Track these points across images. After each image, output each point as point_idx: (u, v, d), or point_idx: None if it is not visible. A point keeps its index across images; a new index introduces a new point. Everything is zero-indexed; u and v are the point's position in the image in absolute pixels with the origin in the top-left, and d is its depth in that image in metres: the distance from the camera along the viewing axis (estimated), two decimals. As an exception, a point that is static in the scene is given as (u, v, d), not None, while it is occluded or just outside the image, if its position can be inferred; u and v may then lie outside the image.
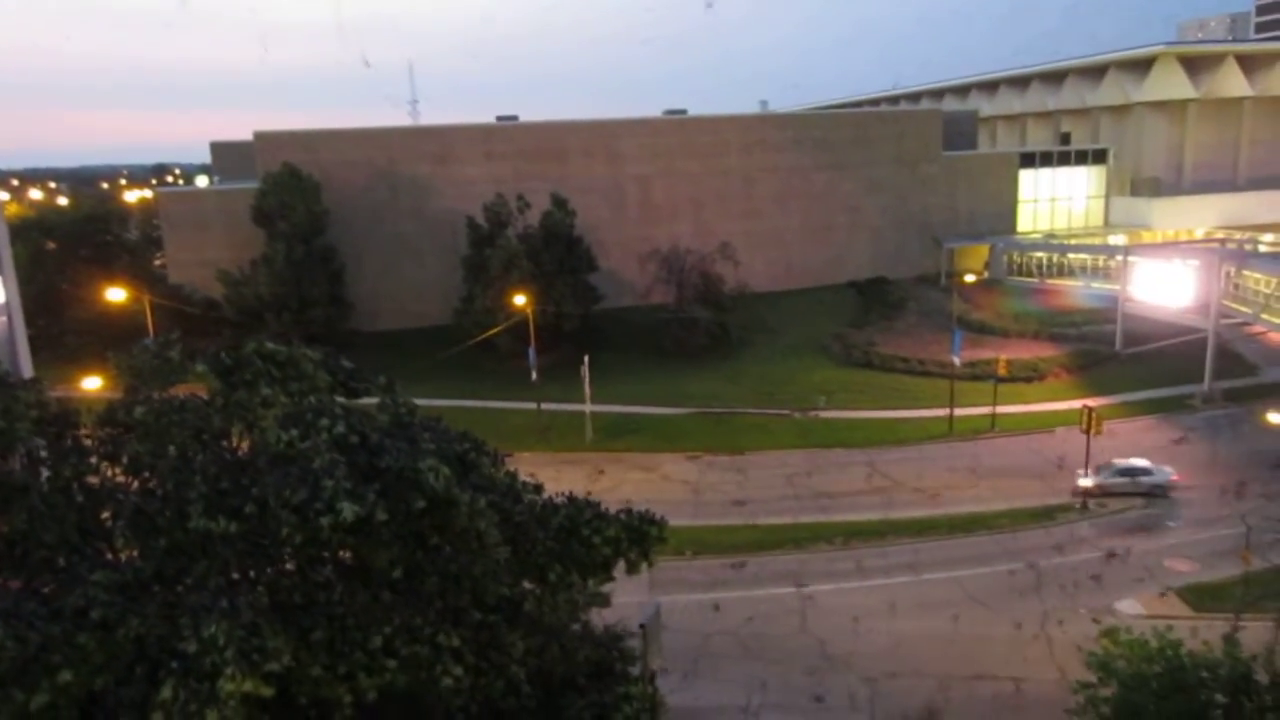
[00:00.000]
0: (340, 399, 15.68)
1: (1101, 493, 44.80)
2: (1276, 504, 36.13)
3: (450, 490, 12.37)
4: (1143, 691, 18.67)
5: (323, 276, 68.01)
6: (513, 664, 14.04)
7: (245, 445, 14.20)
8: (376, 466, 12.44)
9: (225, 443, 14.30)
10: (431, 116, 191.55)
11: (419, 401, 16.86)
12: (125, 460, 14.34)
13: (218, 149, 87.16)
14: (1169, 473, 45.32)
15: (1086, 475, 44.58)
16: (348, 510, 11.46)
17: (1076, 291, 78.34)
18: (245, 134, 74.31)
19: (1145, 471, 45.26)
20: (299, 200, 67.01)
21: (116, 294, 53.26)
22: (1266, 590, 30.31)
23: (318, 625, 12.01)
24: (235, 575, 11.91)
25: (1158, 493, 44.74)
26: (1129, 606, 35.21)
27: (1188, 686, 18.50)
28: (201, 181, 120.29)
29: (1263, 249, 74.02)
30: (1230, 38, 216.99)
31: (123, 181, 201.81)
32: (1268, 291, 60.62)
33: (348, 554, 13.18)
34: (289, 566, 12.58)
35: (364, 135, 76.02)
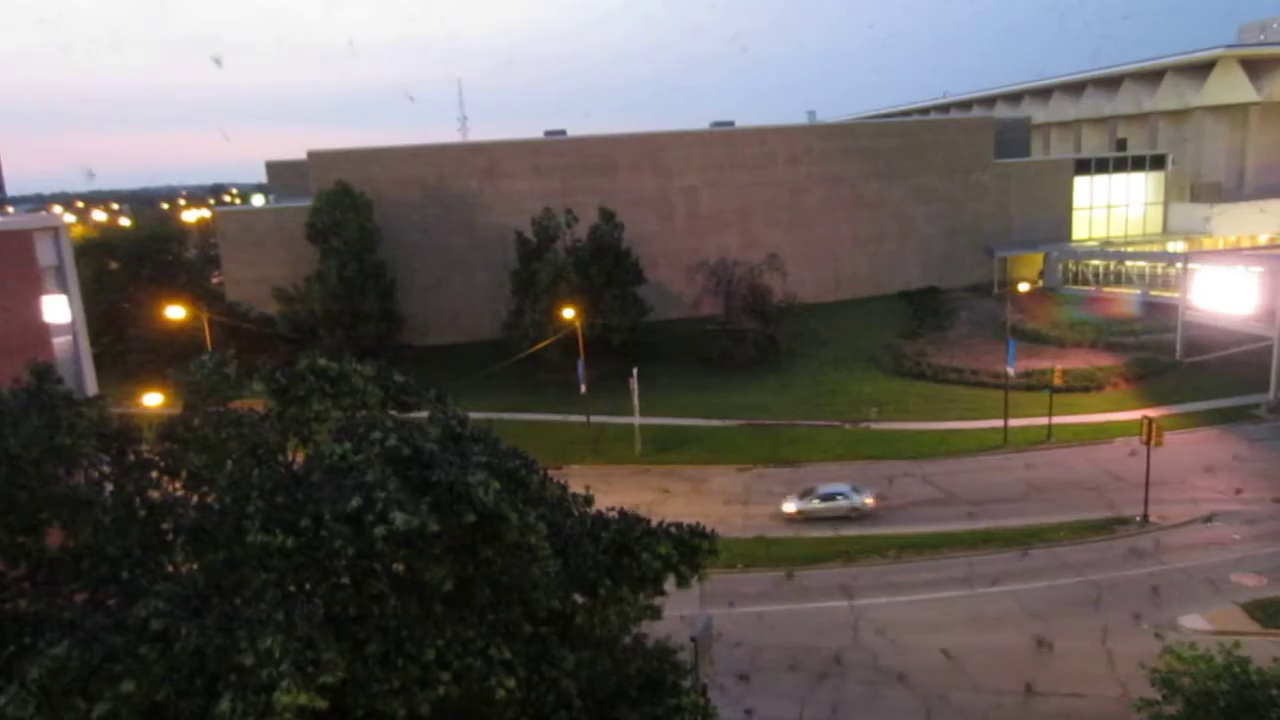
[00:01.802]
0: (392, 412, 15.91)
1: (804, 518, 44.90)
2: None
3: (500, 504, 12.46)
4: (1209, 710, 18.16)
5: (374, 292, 69.18)
6: (564, 677, 14.05)
7: (300, 459, 14.47)
8: (428, 480, 12.58)
9: (280, 457, 14.59)
10: (480, 133, 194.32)
11: (470, 414, 17.05)
12: (184, 475, 14.70)
13: (273, 168, 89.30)
14: (866, 495, 45.29)
15: (790, 500, 45.48)
16: (400, 520, 11.58)
17: (1134, 300, 76.46)
18: (299, 153, 76.06)
19: (844, 494, 45.21)
20: (351, 217, 68.31)
21: (176, 312, 54.68)
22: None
23: (372, 638, 12.15)
24: (291, 588, 12.10)
25: (854, 515, 44.56)
26: (1193, 622, 34.13)
27: (1257, 704, 17.95)
28: (257, 200, 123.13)
29: (1331, 254, 71.52)
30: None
31: (182, 202, 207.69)
32: (1336, 297, 58.55)
33: (400, 567, 13.35)
34: (343, 580, 12.76)
35: (414, 152, 77.31)
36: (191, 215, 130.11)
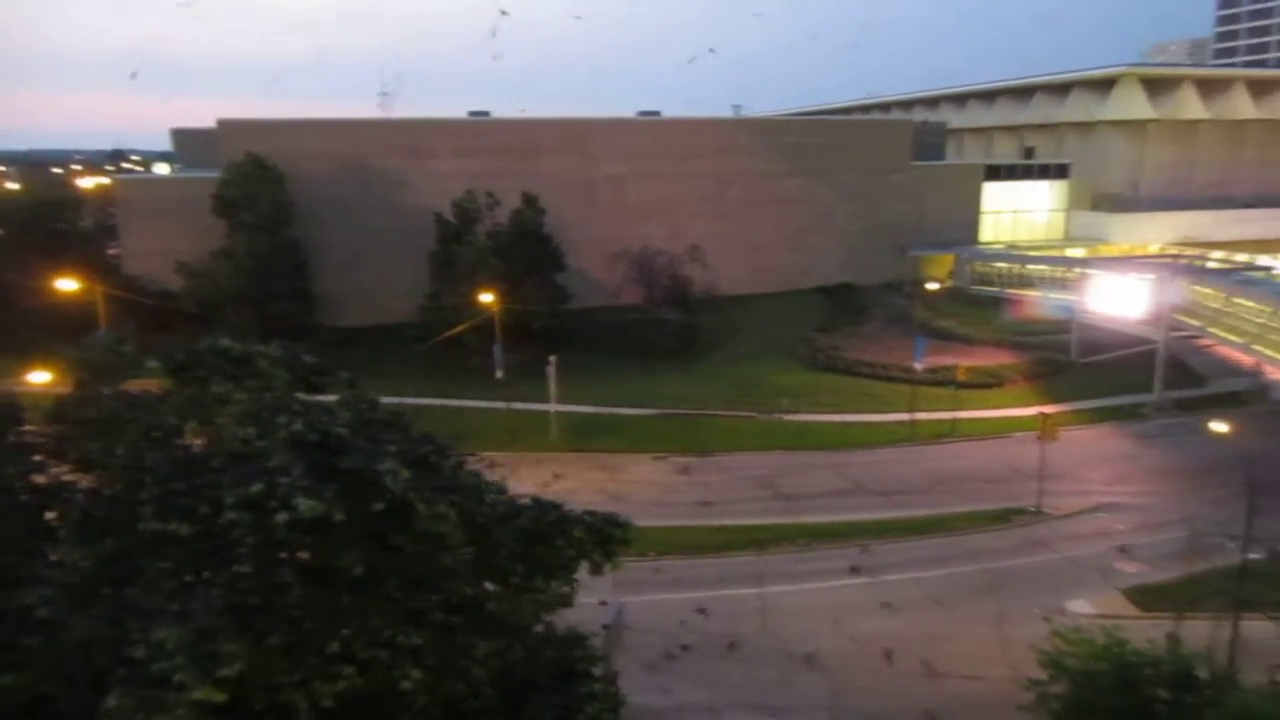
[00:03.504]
0: (301, 395, 15.49)
1: None
2: (1222, 509, 37.03)
3: (409, 493, 12.26)
4: (1091, 688, 19.11)
5: (287, 270, 67.12)
6: (475, 665, 13.94)
7: (200, 443, 13.97)
8: (336, 466, 12.30)
9: (178, 441, 14.05)
10: (402, 110, 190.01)
11: (383, 399, 16.70)
12: (74, 458, 14.04)
13: (179, 136, 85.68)
14: None
15: None
16: (304, 507, 11.29)
17: (1036, 301, 79.65)
18: (208, 121, 73.20)
19: None
20: (263, 191, 66.06)
21: (68, 284, 52.03)
22: (1209, 591, 31.04)
23: (274, 628, 11.80)
24: (189, 578, 11.69)
25: None
26: (1080, 606, 35.89)
27: (1134, 683, 18.97)
28: (161, 169, 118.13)
29: (1212, 265, 75.84)
30: (1189, 62, 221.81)
31: (76, 167, 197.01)
32: (1216, 306, 62.11)
33: (306, 555, 13.02)
34: (245, 569, 12.39)
35: (333, 126, 75.21)
36: (88, 182, 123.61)
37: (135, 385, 15.00)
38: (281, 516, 11.18)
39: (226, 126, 71.31)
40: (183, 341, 14.96)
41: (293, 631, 11.94)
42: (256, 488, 11.30)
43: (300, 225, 69.15)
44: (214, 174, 67.97)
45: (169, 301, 64.66)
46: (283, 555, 12.39)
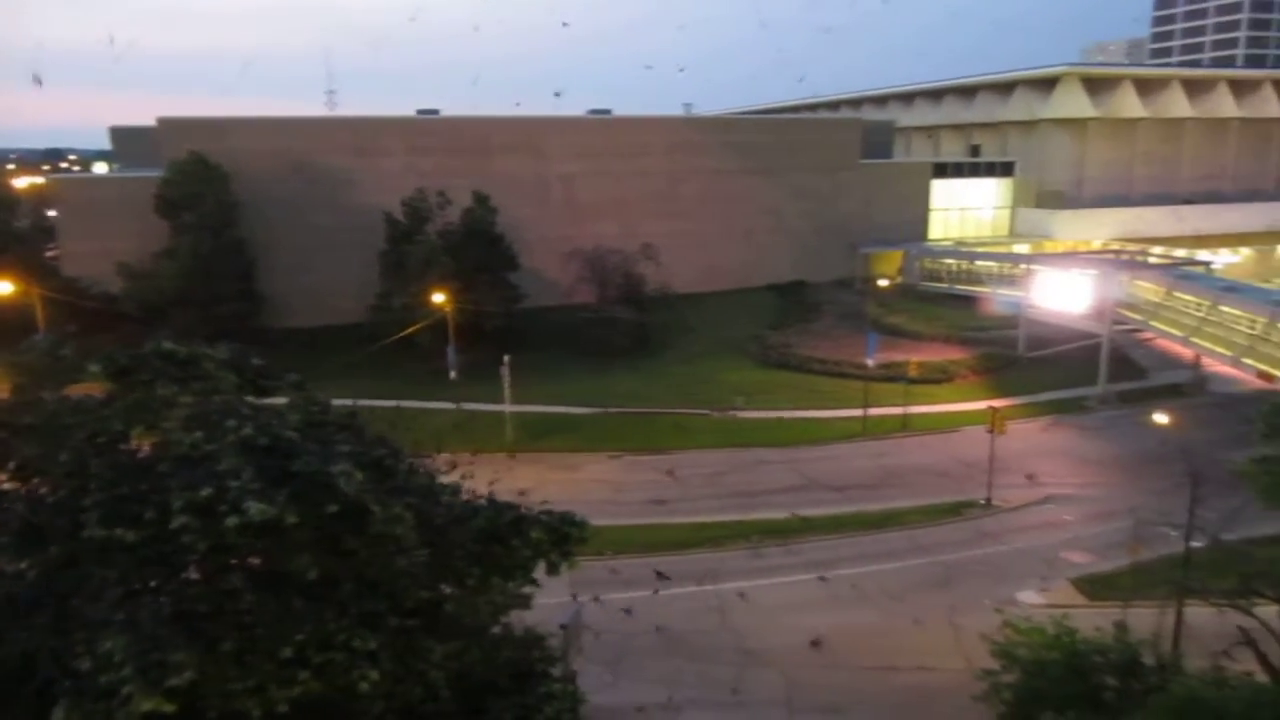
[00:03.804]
0: (250, 398, 15.17)
1: None
2: (1164, 499, 38.06)
3: (363, 495, 12.07)
4: (1041, 677, 19.53)
5: (232, 270, 65.78)
6: (432, 668, 13.79)
7: (146, 448, 13.60)
8: (287, 470, 12.06)
9: (123, 446, 13.66)
10: (348, 108, 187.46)
11: (334, 401, 16.44)
12: (13, 466, 13.57)
13: (118, 134, 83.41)
14: None
15: None
16: (255, 510, 11.05)
17: (984, 297, 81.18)
18: (148, 119, 71.35)
19: None
20: (207, 190, 64.67)
21: (4, 287, 50.52)
22: (1154, 579, 31.88)
23: (226, 635, 11.55)
24: (136, 586, 11.37)
25: None
26: (1029, 597, 36.66)
27: (1082, 671, 19.44)
28: (100, 168, 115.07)
29: (1153, 261, 77.87)
30: (1127, 61, 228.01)
31: (11, 166, 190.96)
32: (1156, 301, 63.84)
33: (258, 560, 12.76)
34: (194, 575, 12.09)
35: (278, 124, 73.88)
36: (23, 182, 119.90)
37: (77, 390, 14.55)
38: (232, 521, 10.93)
39: (167, 125, 69.67)
40: (125, 344, 14.54)
41: (245, 637, 11.68)
42: (205, 492, 11.03)
43: (246, 225, 67.83)
44: (156, 173, 66.35)
45: (110, 304, 62.95)
46: (233, 560, 12.13)
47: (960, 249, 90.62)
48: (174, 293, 62.71)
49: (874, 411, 56.51)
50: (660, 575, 37.40)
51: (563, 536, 15.32)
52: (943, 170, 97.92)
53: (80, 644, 10.23)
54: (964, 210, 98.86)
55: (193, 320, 59.76)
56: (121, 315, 61.42)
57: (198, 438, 12.11)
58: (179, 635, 10.85)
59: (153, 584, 11.67)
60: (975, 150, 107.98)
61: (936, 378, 64.13)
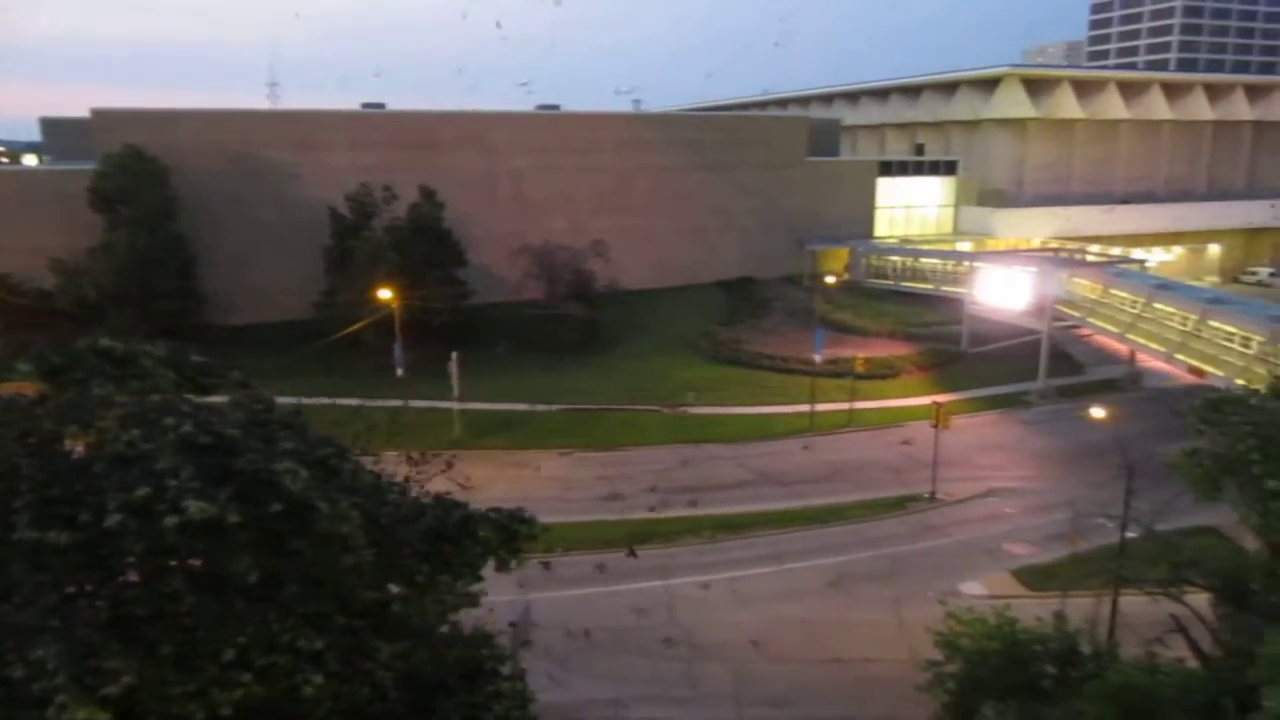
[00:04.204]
0: (190, 396, 14.83)
1: None
2: (1101, 491, 39.11)
3: (309, 493, 11.88)
4: (983, 666, 19.93)
5: (171, 266, 64.17)
6: (379, 669, 13.64)
7: (80, 449, 13.22)
8: (229, 468, 11.81)
9: (57, 446, 13.26)
10: (291, 101, 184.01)
11: (278, 399, 16.15)
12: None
13: (49, 126, 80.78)
14: None
15: None
16: (194, 509, 10.79)
17: (929, 294, 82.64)
18: (82, 110, 69.25)
19: None
20: (144, 184, 62.97)
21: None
22: (1092, 569, 32.75)
23: (165, 639, 11.28)
24: (70, 590, 11.05)
25: None
26: (972, 588, 37.44)
27: (1022, 660, 19.90)
28: (30, 161, 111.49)
29: (1090, 259, 79.89)
30: (1066, 63, 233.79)
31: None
32: (1094, 298, 65.56)
33: (198, 561, 12.49)
34: (132, 578, 11.78)
35: (217, 117, 72.20)
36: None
37: (7, 389, 14.08)
38: (171, 520, 10.67)
39: (102, 116, 67.69)
40: (59, 342, 14.12)
41: (185, 641, 11.43)
42: (142, 491, 10.75)
43: (185, 220, 66.23)
44: (90, 166, 64.46)
45: (43, 301, 61.05)
46: (173, 562, 11.86)
47: (905, 246, 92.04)
48: (110, 289, 61.04)
49: (822, 407, 57.20)
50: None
51: (512, 534, 15.26)
52: (888, 168, 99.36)
53: (11, 651, 9.91)
54: (909, 208, 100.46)
55: (130, 318, 58.31)
56: (54, 312, 59.64)
57: (134, 436, 11.79)
58: (115, 640, 10.57)
59: (88, 588, 11.35)
60: (920, 149, 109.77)
61: (882, 373, 65.10)
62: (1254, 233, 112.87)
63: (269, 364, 52.01)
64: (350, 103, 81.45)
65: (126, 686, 10.37)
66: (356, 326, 60.10)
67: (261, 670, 11.80)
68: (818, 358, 60.77)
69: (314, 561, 13.15)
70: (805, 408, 57.15)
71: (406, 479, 16.03)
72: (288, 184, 71.17)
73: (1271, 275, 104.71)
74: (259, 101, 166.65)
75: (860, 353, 64.43)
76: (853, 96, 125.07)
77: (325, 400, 54.10)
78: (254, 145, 70.96)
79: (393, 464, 16.82)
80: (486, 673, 16.09)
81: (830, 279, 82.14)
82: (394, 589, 14.70)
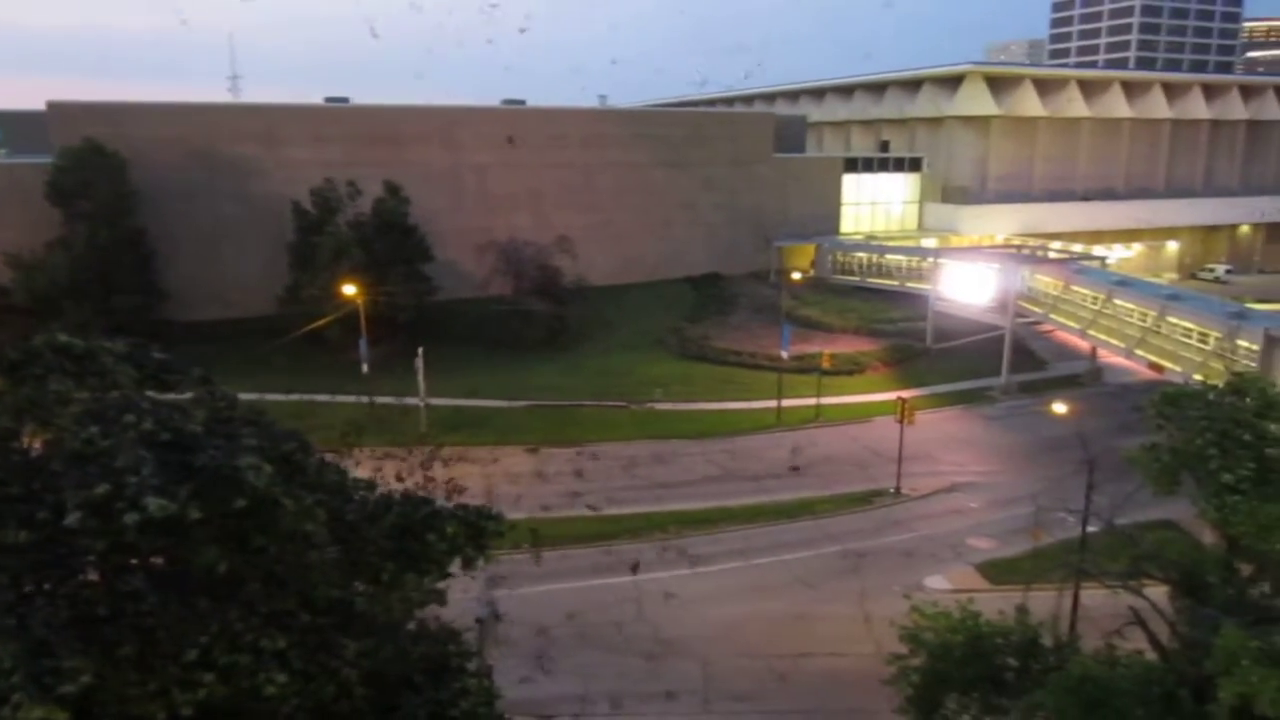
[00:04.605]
0: (151, 393, 14.59)
1: None
2: (1062, 486, 39.73)
3: (272, 489, 11.74)
4: (947, 660, 20.18)
5: (131, 262, 63.05)
6: (344, 666, 13.52)
7: (39, 446, 12.97)
8: (191, 465, 11.64)
9: (14, 444, 12.99)
10: (253, 95, 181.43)
11: (242, 396, 15.95)
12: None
13: (4, 119, 78.90)
14: None
15: None
16: (154, 506, 10.62)
17: (894, 290, 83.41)
18: (37, 103, 67.76)
19: None
20: (103, 178, 61.78)
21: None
22: (1053, 563, 33.25)
23: (125, 638, 11.10)
24: (29, 589, 10.83)
25: None
26: (936, 583, 37.93)
27: (985, 653, 20.18)
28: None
29: (1052, 255, 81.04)
30: (1028, 61, 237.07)
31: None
32: (1055, 294, 66.58)
33: (160, 560, 12.31)
34: (92, 577, 11.58)
35: (177, 110, 71.00)
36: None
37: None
38: (131, 518, 10.49)
39: (58, 109, 66.31)
40: (15, 338, 13.81)
41: (146, 640, 11.25)
42: (102, 489, 10.58)
43: (145, 215, 65.06)
44: (46, 160, 63.11)
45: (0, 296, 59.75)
46: (133, 560, 11.67)
47: (871, 243, 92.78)
48: (68, 284, 59.84)
49: (788, 402, 57.57)
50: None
51: (479, 531, 15.21)
52: (854, 165, 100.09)
53: (-34, 652, 9.72)
54: (874, 204, 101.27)
55: (88, 313, 57.28)
56: (11, 308, 58.40)
57: (93, 433, 11.58)
58: (74, 640, 10.39)
59: (46, 587, 11.14)
60: (884, 146, 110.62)
61: (848, 369, 65.62)
62: (1210, 230, 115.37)
63: (232, 360, 51.30)
64: (314, 97, 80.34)
65: (85, 686, 10.20)
66: (321, 323, 59.48)
67: (224, 670, 11.66)
68: (784, 354, 61.12)
69: (278, 559, 13.01)
70: (772, 403, 57.48)
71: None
72: (249, 178, 70.17)
73: (1228, 272, 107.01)
74: (220, 95, 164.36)
75: (826, 349, 64.88)
76: (818, 93, 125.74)
77: (295, 397, 53.71)
78: (215, 139, 69.87)
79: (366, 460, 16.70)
80: (453, 669, 16.02)
81: (796, 275, 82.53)
82: (359, 586, 14.59)
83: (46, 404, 12.60)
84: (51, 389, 12.60)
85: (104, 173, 61.96)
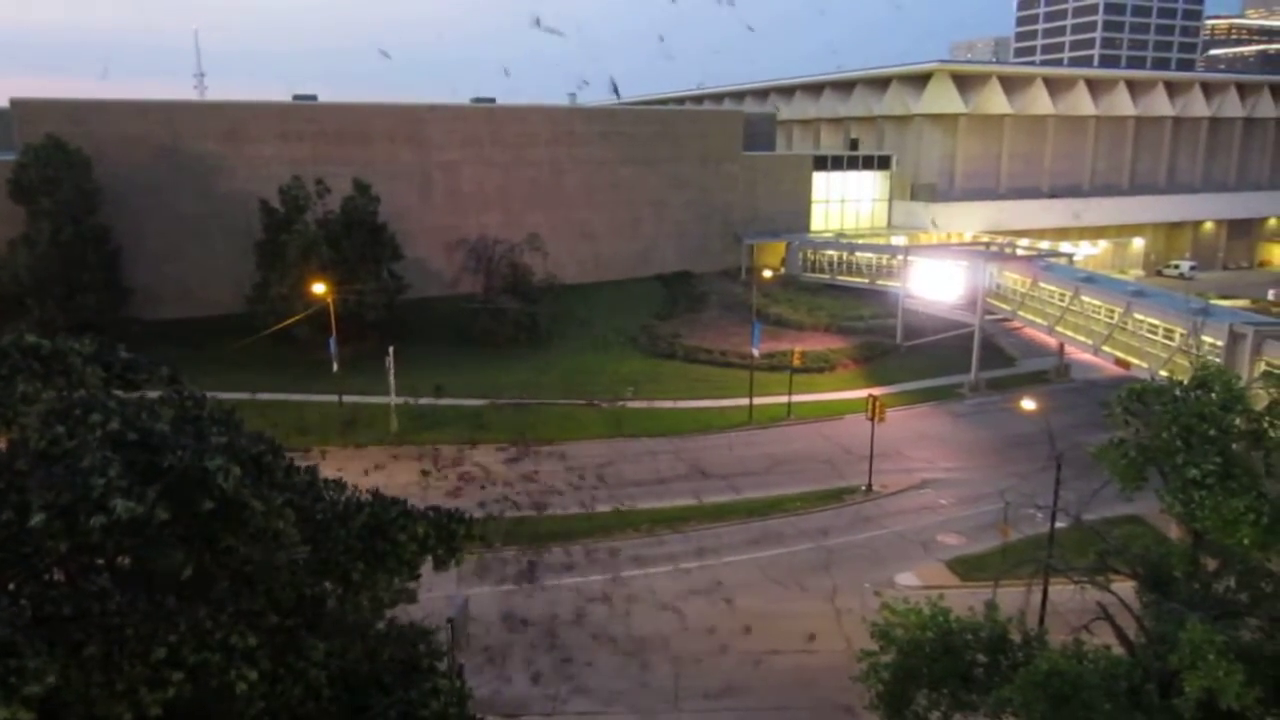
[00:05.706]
0: (118, 393, 14.43)
1: None
2: (1030, 482, 40.20)
3: (241, 491, 11.66)
4: (917, 656, 20.33)
5: (95, 260, 62.06)
6: (313, 667, 13.46)
7: (2, 445, 12.79)
8: (158, 465, 11.53)
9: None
10: (219, 92, 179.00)
11: (210, 395, 15.81)
12: None
13: (-35, 115, 77.46)
14: None
15: None
16: (121, 508, 10.53)
17: (864, 288, 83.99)
18: (0, 100, 66.64)
19: None
20: (66, 175, 60.76)
21: None
22: (1021, 559, 33.65)
23: (91, 638, 10.98)
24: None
25: None
26: (906, 579, 38.28)
27: (955, 649, 20.35)
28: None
29: (1020, 252, 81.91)
30: (994, 59, 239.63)
31: None
32: (1023, 291, 67.38)
33: (127, 560, 12.17)
34: (56, 577, 11.44)
35: (142, 108, 69.92)
36: None
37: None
38: (97, 520, 10.39)
39: (21, 106, 65.16)
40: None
41: (112, 640, 11.14)
42: (66, 496, 10.45)
43: (110, 212, 64.04)
44: (8, 157, 62.01)
45: (-42, 295, 58.55)
46: (99, 561, 11.54)
47: (840, 241, 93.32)
48: (31, 282, 58.90)
49: (759, 400, 57.81)
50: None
51: (449, 532, 15.20)
52: (823, 163, 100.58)
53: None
54: (844, 202, 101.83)
55: (52, 311, 56.56)
56: (-29, 307, 57.26)
57: (58, 433, 11.45)
58: (38, 640, 10.26)
59: (10, 586, 10.99)
60: (853, 144, 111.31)
61: (819, 366, 66.00)
62: (1174, 227, 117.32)
63: (199, 359, 50.70)
64: (282, 94, 79.43)
65: (50, 686, 10.08)
66: (289, 321, 58.98)
67: (193, 669, 11.57)
68: (755, 352, 61.36)
69: (247, 559, 12.93)
70: (743, 401, 57.69)
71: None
72: (216, 176, 69.34)
73: (1192, 269, 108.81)
74: (186, 92, 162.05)
75: (797, 346, 65.23)
76: (787, 91, 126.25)
77: (259, 396, 53.17)
78: (180, 136, 68.96)
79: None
80: (423, 669, 15.99)
81: (767, 273, 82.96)
82: (329, 586, 14.53)
83: (10, 403, 12.43)
84: (18, 389, 12.43)
85: (67, 170, 60.97)
